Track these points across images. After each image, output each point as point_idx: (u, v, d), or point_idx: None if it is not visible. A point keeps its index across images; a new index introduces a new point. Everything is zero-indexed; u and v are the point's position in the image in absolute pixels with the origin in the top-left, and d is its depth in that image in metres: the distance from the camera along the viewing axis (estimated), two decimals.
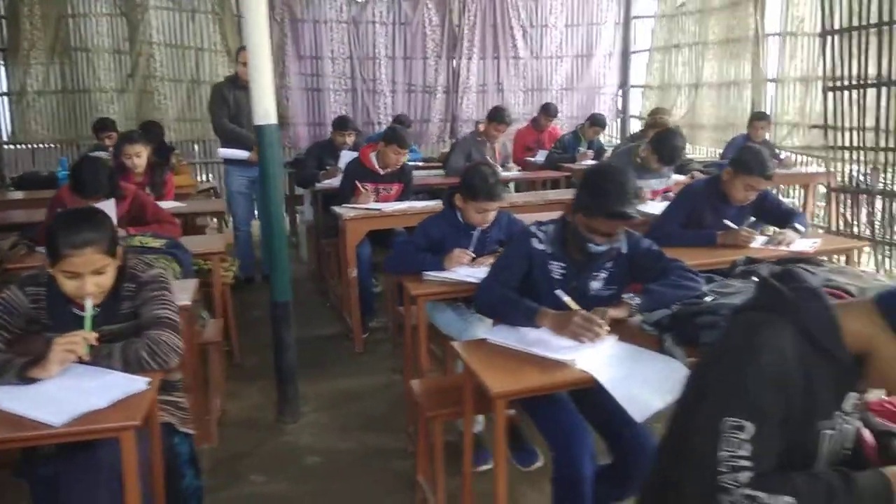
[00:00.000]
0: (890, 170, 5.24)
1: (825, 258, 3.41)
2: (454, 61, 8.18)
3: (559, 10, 8.46)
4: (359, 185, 4.27)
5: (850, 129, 5.40)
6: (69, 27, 6.96)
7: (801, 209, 5.94)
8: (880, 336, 1.18)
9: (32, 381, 1.74)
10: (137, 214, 3.37)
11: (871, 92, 5.17)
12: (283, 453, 2.98)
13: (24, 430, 1.58)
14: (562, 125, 7.94)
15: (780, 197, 6.27)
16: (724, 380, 1.21)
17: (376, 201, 4.28)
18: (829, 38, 5.41)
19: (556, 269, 2.19)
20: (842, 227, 5.74)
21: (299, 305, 4.86)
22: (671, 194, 3.94)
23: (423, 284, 2.73)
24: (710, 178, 3.36)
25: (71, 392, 1.69)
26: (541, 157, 6.51)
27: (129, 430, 1.62)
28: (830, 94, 5.49)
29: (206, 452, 2.85)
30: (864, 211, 5.55)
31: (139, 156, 4.21)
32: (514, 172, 5.92)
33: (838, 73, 5.39)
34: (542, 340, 1.98)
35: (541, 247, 2.20)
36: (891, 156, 5.16)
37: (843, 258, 3.33)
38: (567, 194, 3.26)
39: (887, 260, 5.40)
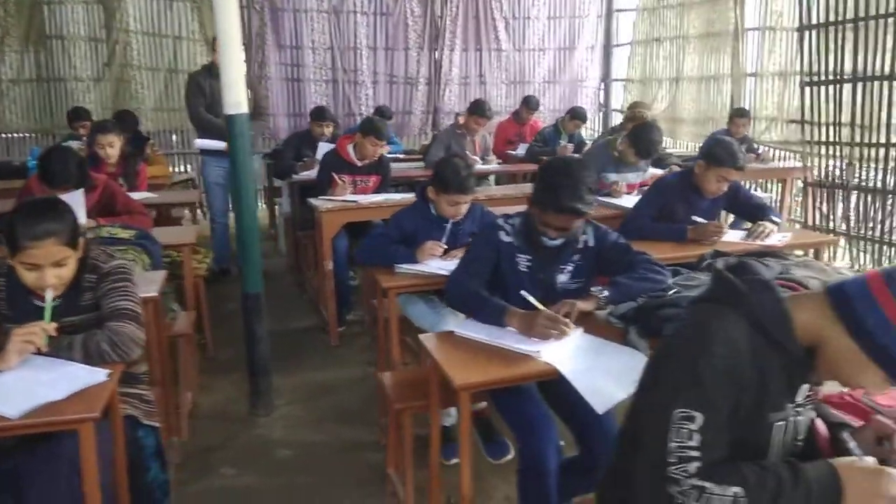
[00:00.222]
0: (865, 165, 5.30)
1: (801, 252, 3.46)
2: (436, 53, 8.14)
3: (541, 2, 8.44)
4: (336, 176, 4.24)
5: (827, 125, 5.46)
6: (44, 14, 6.85)
7: (773, 203, 6.01)
8: (830, 328, 1.19)
9: None
10: (108, 205, 3.33)
11: (847, 87, 5.22)
12: (254, 446, 2.96)
13: None
14: (544, 118, 7.92)
15: (756, 191, 6.35)
16: (676, 371, 1.22)
17: (354, 193, 4.25)
18: (806, 33, 5.45)
19: (523, 261, 2.19)
20: (818, 222, 5.80)
21: (277, 298, 4.86)
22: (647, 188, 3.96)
23: (394, 277, 2.73)
24: (682, 172, 3.38)
25: (29, 384, 1.67)
26: (522, 149, 6.50)
27: (87, 423, 1.60)
28: (807, 89, 5.53)
29: (176, 445, 2.83)
30: (839, 206, 5.61)
31: (112, 145, 4.16)
32: (493, 165, 5.92)
33: (815, 68, 5.43)
34: (508, 333, 1.99)
35: (508, 239, 2.20)
36: (866, 151, 5.22)
37: (812, 252, 3.37)
38: None
39: (862, 254, 5.46)
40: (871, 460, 1.25)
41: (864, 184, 5.37)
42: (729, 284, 1.27)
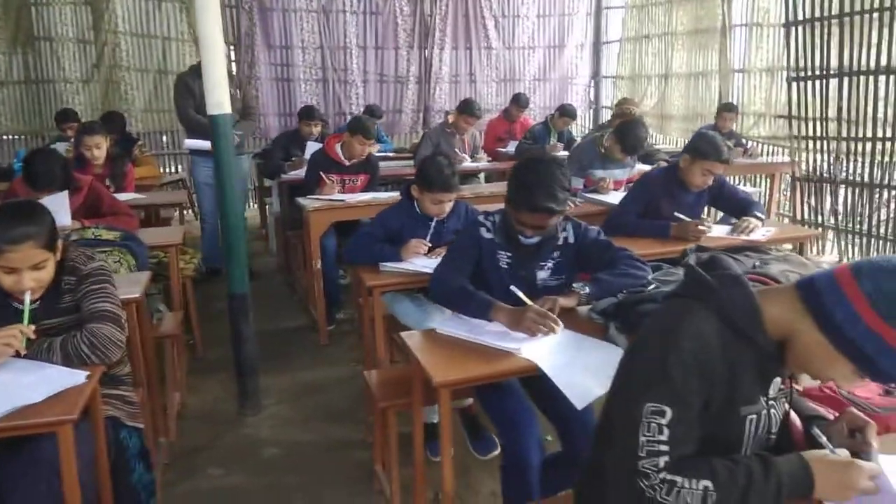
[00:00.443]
0: (852, 159, 5.32)
1: (790, 247, 3.48)
2: (426, 51, 8.14)
3: (531, 0, 8.45)
4: (324, 176, 4.24)
5: (814, 119, 5.48)
6: (32, 16, 6.81)
7: (761, 198, 6.03)
8: (800, 322, 1.19)
9: None
10: (93, 206, 3.33)
11: (834, 82, 5.24)
12: (242, 446, 2.96)
13: None
14: (534, 115, 7.94)
15: (745, 186, 6.37)
16: (647, 365, 1.23)
17: (342, 192, 4.25)
18: (792, 29, 5.46)
19: (504, 258, 2.20)
20: (807, 216, 5.83)
21: (267, 298, 4.87)
22: None
23: (379, 275, 2.73)
24: (668, 167, 3.40)
25: (7, 386, 1.67)
26: (512, 147, 6.51)
27: (66, 425, 1.60)
28: (794, 85, 5.55)
29: (163, 446, 2.83)
30: (827, 200, 5.63)
31: (99, 147, 4.16)
32: (483, 163, 5.92)
33: (802, 63, 5.45)
34: (490, 330, 1.99)
35: (488, 236, 2.21)
36: (853, 145, 5.24)
37: (796, 246, 3.38)
38: None
39: (850, 248, 5.49)
40: (843, 453, 1.26)
41: (851, 178, 5.39)
42: (699, 279, 1.28)
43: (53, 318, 1.91)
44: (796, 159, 5.75)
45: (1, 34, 6.71)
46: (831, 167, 5.50)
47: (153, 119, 7.44)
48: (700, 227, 3.05)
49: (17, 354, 1.76)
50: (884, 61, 4.84)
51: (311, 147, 4.84)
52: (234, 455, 2.89)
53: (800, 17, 5.38)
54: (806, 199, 5.80)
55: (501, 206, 2.27)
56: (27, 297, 1.81)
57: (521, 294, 2.09)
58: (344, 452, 2.90)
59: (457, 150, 5.70)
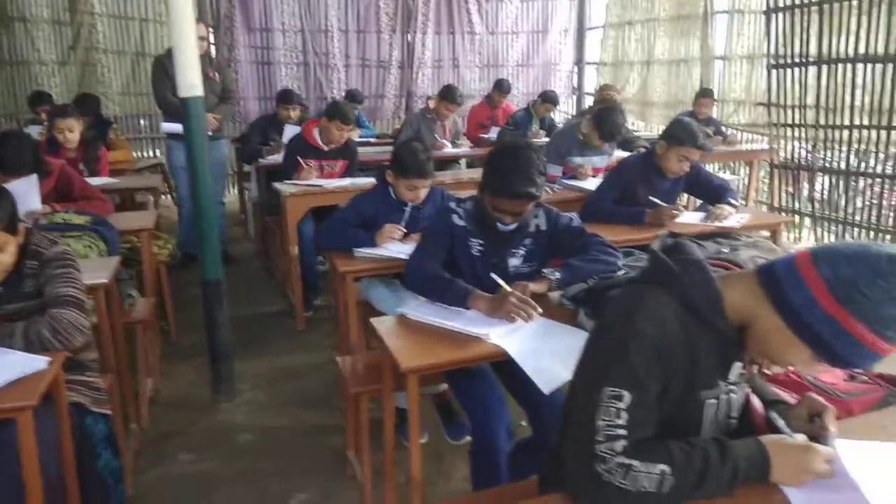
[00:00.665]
0: (830, 147, 5.36)
1: (767, 234, 3.50)
2: (409, 35, 8.07)
3: None
4: (301, 161, 4.20)
5: (793, 107, 5.51)
6: None
7: (740, 185, 6.06)
8: (760, 307, 1.19)
9: None
10: (65, 191, 3.27)
11: (813, 69, 5.26)
12: (215, 432, 2.95)
13: None
14: (517, 102, 7.91)
15: (724, 173, 6.40)
16: (606, 350, 1.23)
17: (320, 178, 4.22)
18: (773, 16, 5.48)
19: (476, 245, 2.19)
20: (785, 204, 5.87)
21: (245, 283, 4.84)
22: None
23: (351, 261, 2.72)
24: (644, 153, 3.40)
25: None
26: (494, 133, 6.48)
27: (25, 411, 1.58)
28: (774, 72, 5.57)
29: (135, 432, 2.81)
30: (805, 187, 5.68)
31: (71, 130, 4.09)
32: (463, 149, 5.89)
33: (782, 51, 5.47)
34: (459, 315, 1.99)
35: (460, 223, 2.20)
36: (831, 133, 5.28)
37: (772, 233, 3.41)
38: None
39: (827, 235, 5.54)
40: (801, 437, 1.27)
41: (829, 165, 5.44)
42: (661, 265, 1.27)
43: (15, 302, 1.88)
44: (775, 147, 5.78)
45: None
46: (809, 155, 5.54)
47: (131, 102, 7.34)
48: (674, 213, 3.06)
49: None
50: (862, 49, 4.87)
51: (289, 131, 4.80)
52: (207, 441, 2.87)
53: (780, 4, 5.39)
54: (784, 187, 5.84)
55: None
56: None
57: (500, 281, 2.08)
58: (319, 438, 2.89)
59: (437, 136, 5.68)
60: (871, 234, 5.17)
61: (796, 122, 5.51)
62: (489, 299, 2.01)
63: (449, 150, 5.67)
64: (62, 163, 3.41)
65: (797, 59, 5.36)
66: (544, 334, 1.89)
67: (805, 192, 5.66)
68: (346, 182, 4.08)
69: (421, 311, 2.05)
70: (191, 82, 2.75)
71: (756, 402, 1.43)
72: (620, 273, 2.04)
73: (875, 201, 5.17)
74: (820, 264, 1.13)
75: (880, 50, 4.76)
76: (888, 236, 5.05)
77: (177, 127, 4.90)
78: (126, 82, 7.24)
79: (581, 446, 1.17)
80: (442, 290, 2.09)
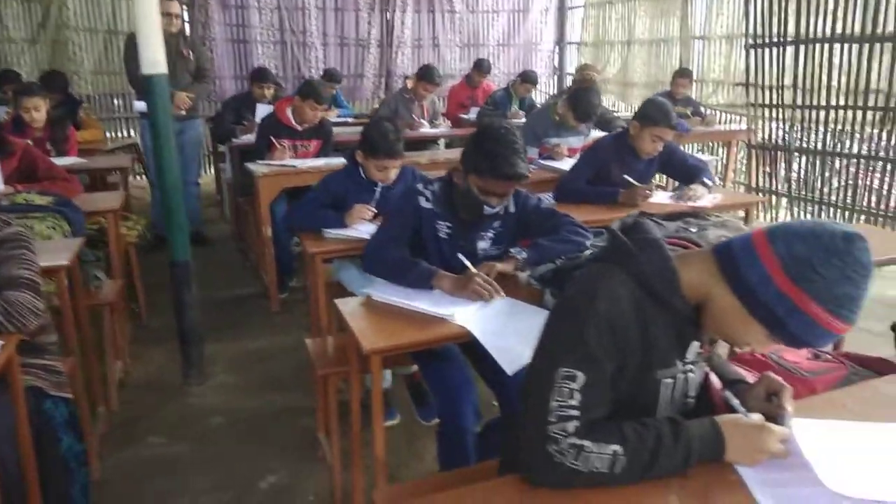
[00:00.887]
0: (807, 127, 5.37)
1: (743, 214, 3.50)
2: (388, 14, 7.97)
3: None
4: (275, 140, 4.13)
5: (770, 87, 5.51)
6: None
7: (718, 165, 6.07)
8: (716, 285, 1.18)
9: None
10: (28, 171, 3.20)
11: (791, 50, 5.26)
12: (185, 415, 2.92)
13: None
14: (498, 82, 7.85)
15: (702, 154, 6.40)
16: (562, 330, 1.21)
17: (294, 158, 4.16)
18: None
19: (443, 228, 2.16)
20: (762, 184, 5.89)
21: (220, 265, 4.79)
22: None
23: (321, 242, 2.68)
24: (617, 134, 3.37)
25: None
26: (474, 113, 6.44)
27: None
28: (752, 52, 5.56)
29: (102, 416, 2.77)
30: (782, 167, 5.69)
31: (37, 109, 4.00)
32: (442, 129, 5.84)
33: (760, 31, 5.46)
34: (424, 296, 1.97)
35: (427, 205, 2.17)
36: (808, 113, 5.29)
37: (745, 213, 3.41)
38: None
39: (803, 215, 5.57)
40: (757, 417, 1.26)
41: (805, 146, 5.45)
42: (619, 244, 1.26)
43: None
44: (752, 127, 5.79)
45: None
46: (786, 135, 5.55)
47: (103, 81, 7.19)
48: (647, 192, 3.05)
49: None
50: (839, 29, 4.87)
51: (262, 110, 4.73)
52: (177, 424, 2.85)
53: None
54: (762, 167, 5.86)
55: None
56: None
57: (467, 262, 2.06)
58: (290, 420, 2.88)
59: (415, 115, 5.62)
60: (847, 214, 5.21)
61: (774, 102, 5.51)
62: (454, 279, 1.99)
63: (426, 129, 5.62)
64: (26, 143, 3.34)
65: (775, 39, 5.35)
66: (509, 314, 1.88)
67: (782, 173, 5.68)
68: (321, 162, 4.02)
69: (386, 292, 2.03)
70: (153, 58, 2.68)
71: (715, 381, 1.43)
72: (588, 253, 2.03)
73: (851, 182, 5.20)
74: (776, 242, 1.11)
75: (857, 30, 4.76)
76: (863, 217, 5.09)
77: None
78: (98, 60, 7.09)
79: (534, 427, 1.16)
80: (404, 272, 2.06)
